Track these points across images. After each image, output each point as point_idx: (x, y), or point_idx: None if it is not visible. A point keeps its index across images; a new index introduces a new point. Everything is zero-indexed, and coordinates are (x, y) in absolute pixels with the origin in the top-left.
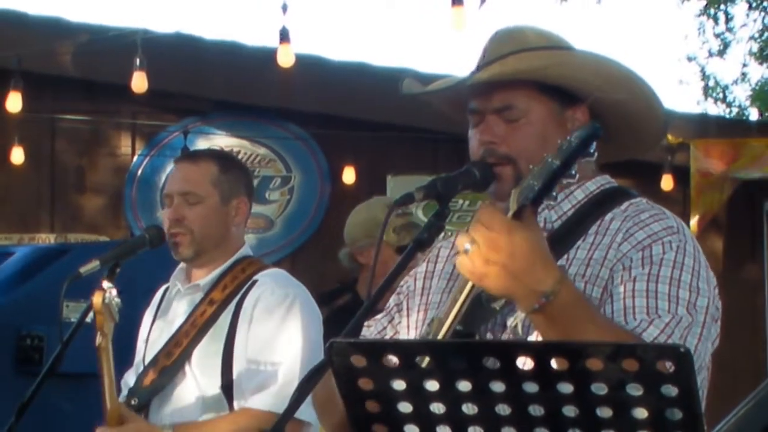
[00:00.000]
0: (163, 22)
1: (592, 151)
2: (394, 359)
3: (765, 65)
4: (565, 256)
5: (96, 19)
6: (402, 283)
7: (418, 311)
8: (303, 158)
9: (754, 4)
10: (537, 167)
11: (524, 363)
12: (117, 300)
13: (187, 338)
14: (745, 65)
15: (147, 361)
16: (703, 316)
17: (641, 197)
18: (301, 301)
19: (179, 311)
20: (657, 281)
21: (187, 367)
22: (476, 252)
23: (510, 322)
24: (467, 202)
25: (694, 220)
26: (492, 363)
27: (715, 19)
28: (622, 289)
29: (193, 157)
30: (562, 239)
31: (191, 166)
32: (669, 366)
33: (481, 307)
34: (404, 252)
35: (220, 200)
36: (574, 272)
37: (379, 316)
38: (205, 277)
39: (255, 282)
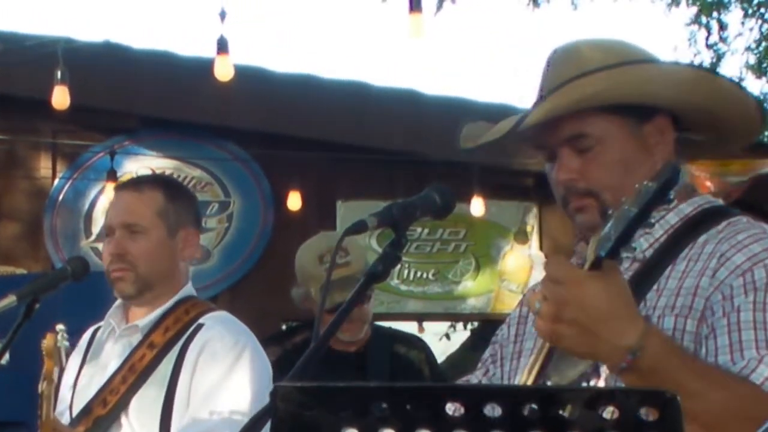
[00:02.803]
0: (87, 31)
1: (671, 197)
2: (346, 405)
3: (764, 79)
4: (655, 287)
5: (11, 27)
6: (497, 332)
7: (512, 359)
8: (243, 181)
9: (750, 12)
10: (616, 212)
11: (492, 410)
12: (66, 344)
13: (124, 385)
14: (741, 79)
15: (76, 409)
16: None
17: (742, 215)
18: (252, 350)
19: (114, 354)
20: (764, 310)
21: (123, 418)
22: (546, 309)
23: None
24: (426, 230)
25: None
26: (455, 409)
27: (708, 28)
28: (725, 321)
29: (136, 184)
30: (653, 269)
31: (134, 195)
32: (653, 414)
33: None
34: (358, 285)
35: (166, 232)
36: (664, 304)
37: (477, 369)
38: (144, 318)
39: (201, 326)
